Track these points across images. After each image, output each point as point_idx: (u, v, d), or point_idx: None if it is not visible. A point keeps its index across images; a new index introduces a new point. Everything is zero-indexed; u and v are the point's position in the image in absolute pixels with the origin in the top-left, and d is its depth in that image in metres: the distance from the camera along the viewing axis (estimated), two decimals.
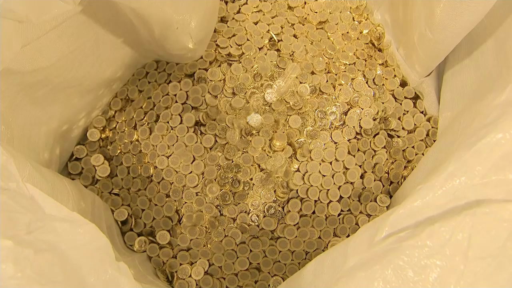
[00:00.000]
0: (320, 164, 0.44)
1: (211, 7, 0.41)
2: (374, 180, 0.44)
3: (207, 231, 0.43)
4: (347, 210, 0.44)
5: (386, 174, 0.45)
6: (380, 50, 0.48)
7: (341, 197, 0.44)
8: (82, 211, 0.39)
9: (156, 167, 0.44)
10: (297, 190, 0.43)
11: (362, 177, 0.44)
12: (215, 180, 0.43)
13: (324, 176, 0.43)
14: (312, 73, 0.45)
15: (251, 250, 0.43)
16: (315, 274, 0.31)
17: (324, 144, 0.44)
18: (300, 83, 0.45)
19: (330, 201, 0.43)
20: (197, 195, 0.43)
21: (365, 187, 0.44)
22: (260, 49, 0.46)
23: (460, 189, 0.26)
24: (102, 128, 0.46)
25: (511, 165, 0.26)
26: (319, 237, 0.43)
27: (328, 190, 0.43)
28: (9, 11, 0.27)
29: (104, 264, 0.28)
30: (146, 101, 0.46)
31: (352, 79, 0.46)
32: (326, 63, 0.46)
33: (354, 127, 0.45)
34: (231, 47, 0.46)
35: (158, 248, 0.43)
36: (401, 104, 0.47)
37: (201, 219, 0.43)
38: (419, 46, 0.43)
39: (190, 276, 0.42)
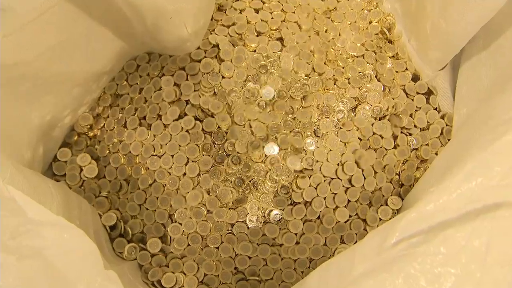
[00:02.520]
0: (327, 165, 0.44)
1: None
2: (385, 182, 0.45)
3: (203, 238, 0.43)
4: (355, 215, 0.44)
5: (397, 176, 0.45)
6: (390, 41, 0.48)
7: (348, 200, 0.44)
8: (68, 215, 0.39)
9: (148, 168, 0.44)
10: (302, 193, 0.43)
11: (371, 179, 0.45)
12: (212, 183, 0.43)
13: (333, 179, 0.44)
14: (317, 66, 0.46)
15: (250, 258, 0.43)
16: (320, 282, 0.31)
17: (331, 144, 0.44)
18: (307, 76, 0.45)
19: (337, 207, 0.44)
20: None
21: (375, 190, 0.45)
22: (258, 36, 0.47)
23: (477, 191, 0.26)
24: (89, 126, 0.46)
25: None
26: (325, 244, 0.43)
27: (336, 194, 0.44)
28: None
29: (93, 272, 0.28)
30: (137, 97, 0.46)
31: (360, 72, 0.46)
32: (333, 55, 0.47)
33: (362, 126, 0.45)
34: (231, 36, 0.46)
35: (150, 255, 0.43)
36: (413, 100, 0.47)
37: (193, 226, 0.43)
38: (432, 38, 0.43)
39: (183, 286, 0.42)
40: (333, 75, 0.46)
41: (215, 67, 0.45)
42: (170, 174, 0.44)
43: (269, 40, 0.46)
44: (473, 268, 0.26)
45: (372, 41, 0.48)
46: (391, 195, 0.45)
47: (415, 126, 0.46)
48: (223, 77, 0.45)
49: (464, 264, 0.26)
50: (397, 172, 0.45)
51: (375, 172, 0.45)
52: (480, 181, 0.27)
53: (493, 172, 0.27)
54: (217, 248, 0.43)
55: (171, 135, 0.44)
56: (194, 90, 0.45)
